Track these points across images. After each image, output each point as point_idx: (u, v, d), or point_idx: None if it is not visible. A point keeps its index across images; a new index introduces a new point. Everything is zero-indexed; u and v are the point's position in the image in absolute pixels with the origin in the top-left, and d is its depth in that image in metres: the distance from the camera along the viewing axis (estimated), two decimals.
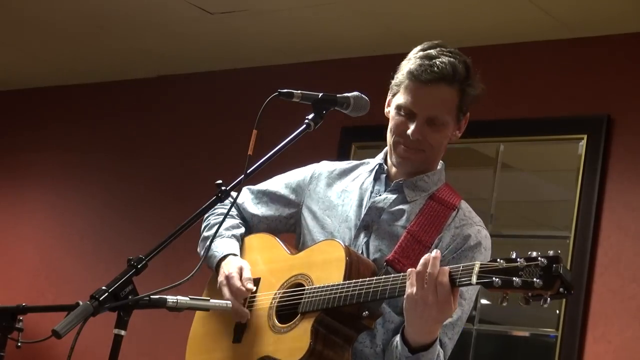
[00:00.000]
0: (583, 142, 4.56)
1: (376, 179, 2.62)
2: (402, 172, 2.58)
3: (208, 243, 2.60)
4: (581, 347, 4.35)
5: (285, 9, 5.00)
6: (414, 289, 2.25)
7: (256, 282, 2.61)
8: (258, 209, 2.77)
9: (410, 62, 2.51)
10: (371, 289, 2.34)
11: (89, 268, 6.11)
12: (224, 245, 2.67)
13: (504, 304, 2.18)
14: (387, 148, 2.61)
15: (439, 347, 2.37)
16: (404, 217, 2.53)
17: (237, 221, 2.77)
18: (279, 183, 2.77)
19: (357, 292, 2.36)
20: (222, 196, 2.27)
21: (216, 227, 2.61)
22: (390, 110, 2.56)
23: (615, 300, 4.34)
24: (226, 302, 2.47)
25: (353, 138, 5.20)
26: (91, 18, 5.51)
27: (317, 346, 2.38)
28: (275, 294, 2.54)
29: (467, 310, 2.51)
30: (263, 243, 2.70)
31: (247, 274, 2.57)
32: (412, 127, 2.48)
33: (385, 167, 2.62)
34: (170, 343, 5.46)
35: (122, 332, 2.07)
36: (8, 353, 2.20)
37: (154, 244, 2.17)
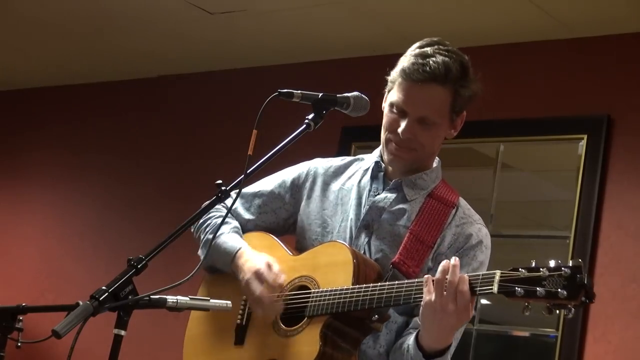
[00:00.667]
0: (583, 142, 4.56)
1: (373, 177, 2.60)
2: (395, 169, 2.58)
3: (210, 242, 2.52)
4: (581, 347, 4.35)
5: (285, 9, 5.00)
6: (433, 296, 2.23)
7: None
8: (251, 214, 2.72)
9: (406, 59, 2.50)
10: (384, 295, 2.33)
11: (89, 268, 6.11)
12: (231, 239, 2.62)
13: (527, 313, 2.17)
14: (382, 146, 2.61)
15: (451, 351, 2.36)
16: (405, 217, 2.53)
17: (234, 222, 2.71)
18: (272, 183, 2.72)
19: (368, 297, 2.35)
20: (222, 196, 2.26)
21: (216, 227, 2.57)
22: (385, 107, 2.56)
23: (615, 300, 4.34)
24: (226, 302, 2.46)
25: (353, 138, 5.20)
26: (91, 18, 5.51)
27: (327, 349, 2.37)
28: (278, 296, 2.52)
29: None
30: (262, 242, 2.65)
31: (276, 267, 2.51)
32: (402, 125, 2.48)
33: (382, 165, 2.60)
34: (170, 343, 5.45)
35: (122, 332, 2.07)
36: (8, 353, 2.20)
37: (154, 244, 2.17)
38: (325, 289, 2.42)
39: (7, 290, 6.44)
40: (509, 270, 2.17)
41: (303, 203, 2.67)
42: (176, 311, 2.16)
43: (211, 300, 2.30)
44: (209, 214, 2.68)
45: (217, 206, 2.52)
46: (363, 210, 2.56)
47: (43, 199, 6.61)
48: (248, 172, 2.32)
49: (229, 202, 2.52)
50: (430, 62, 2.45)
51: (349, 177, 2.66)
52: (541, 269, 2.13)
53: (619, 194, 4.45)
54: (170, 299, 2.13)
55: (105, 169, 6.35)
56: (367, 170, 2.64)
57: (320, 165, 2.72)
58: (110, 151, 6.37)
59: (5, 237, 6.75)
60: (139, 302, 2.08)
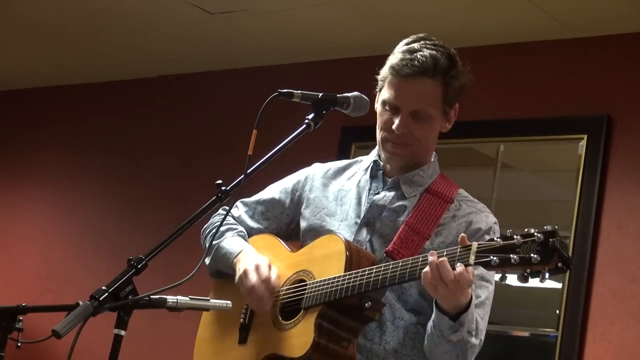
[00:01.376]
0: (583, 142, 4.56)
1: (372, 176, 2.62)
2: (394, 167, 2.59)
3: (215, 246, 2.62)
4: (581, 347, 4.35)
5: (285, 9, 5.00)
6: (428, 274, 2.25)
7: None
8: (256, 222, 2.76)
9: (394, 56, 2.53)
10: (372, 278, 2.35)
11: (89, 268, 6.11)
12: (234, 243, 2.66)
13: (504, 282, 2.16)
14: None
15: (474, 305, 2.35)
16: (406, 213, 2.54)
17: (238, 226, 2.75)
18: (273, 190, 2.77)
19: (357, 282, 2.36)
20: (222, 196, 2.27)
21: (220, 232, 2.63)
22: (377, 107, 2.57)
23: (615, 300, 4.34)
24: (226, 302, 2.46)
25: (353, 138, 5.19)
26: (91, 18, 5.51)
27: (322, 340, 2.38)
28: (278, 292, 2.54)
29: (492, 289, 2.51)
30: (265, 243, 2.70)
31: (273, 268, 2.54)
32: (396, 121, 2.50)
33: (381, 164, 2.62)
34: (170, 343, 5.47)
35: (122, 332, 2.07)
36: (8, 353, 2.20)
37: (154, 244, 2.17)
38: (318, 280, 2.45)
39: (7, 290, 6.45)
40: (486, 241, 2.19)
41: (303, 207, 2.70)
42: (176, 311, 2.16)
43: (211, 300, 2.30)
44: (212, 222, 2.74)
45: (220, 212, 2.65)
46: (363, 209, 2.57)
47: (43, 198, 6.61)
48: (248, 172, 2.32)
49: (233, 211, 2.67)
50: (418, 56, 2.47)
51: (349, 179, 2.68)
52: (515, 237, 2.13)
53: (619, 194, 4.45)
54: (170, 299, 2.13)
55: (104, 169, 6.35)
56: (365, 170, 2.65)
57: (318, 169, 2.75)
58: (110, 151, 6.37)
59: (5, 237, 6.75)
60: (139, 302, 2.09)
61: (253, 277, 2.51)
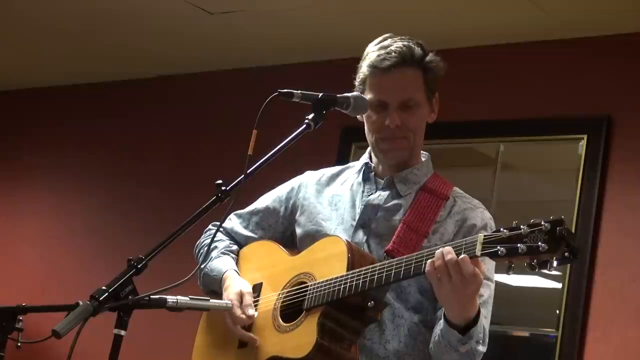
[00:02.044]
0: (583, 142, 4.56)
1: (365, 179, 2.63)
2: (390, 166, 2.60)
3: (202, 272, 2.67)
4: (581, 347, 4.35)
5: (284, 9, 5.00)
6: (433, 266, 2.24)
7: (258, 287, 2.61)
8: (251, 232, 2.77)
9: (368, 56, 2.57)
10: (376, 275, 2.34)
11: (89, 268, 6.11)
12: (218, 264, 2.68)
13: (511, 273, 2.15)
14: (369, 148, 2.65)
15: (482, 317, 2.35)
16: (401, 211, 2.54)
17: (228, 242, 2.77)
18: (267, 200, 2.78)
19: (361, 280, 2.36)
20: (222, 196, 2.27)
21: (206, 254, 2.67)
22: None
23: (615, 300, 4.34)
24: (226, 302, 2.47)
25: (353, 138, 5.19)
26: (90, 18, 5.51)
27: (324, 340, 2.37)
28: (279, 295, 2.54)
29: (493, 287, 2.51)
30: (263, 249, 2.70)
31: (247, 299, 2.54)
32: (388, 118, 2.51)
33: (372, 166, 2.63)
34: (170, 343, 5.46)
35: (122, 332, 2.07)
36: (8, 353, 2.20)
37: (154, 244, 2.17)
38: (321, 281, 2.44)
39: (7, 290, 6.44)
40: (492, 232, 2.18)
41: (298, 214, 2.70)
42: (176, 311, 2.16)
43: (211, 300, 2.30)
44: (203, 240, 2.78)
45: (210, 227, 2.72)
46: (358, 211, 2.58)
47: (43, 198, 6.61)
48: (248, 172, 2.32)
49: (226, 224, 2.71)
50: (393, 48, 2.53)
51: (342, 184, 2.69)
52: (522, 227, 2.13)
53: (619, 194, 4.45)
54: (170, 299, 2.13)
55: (104, 169, 6.35)
56: (357, 173, 2.66)
57: (311, 176, 2.76)
58: (110, 151, 6.37)
59: (5, 237, 6.75)
60: (139, 302, 2.09)
61: (228, 322, 2.54)
